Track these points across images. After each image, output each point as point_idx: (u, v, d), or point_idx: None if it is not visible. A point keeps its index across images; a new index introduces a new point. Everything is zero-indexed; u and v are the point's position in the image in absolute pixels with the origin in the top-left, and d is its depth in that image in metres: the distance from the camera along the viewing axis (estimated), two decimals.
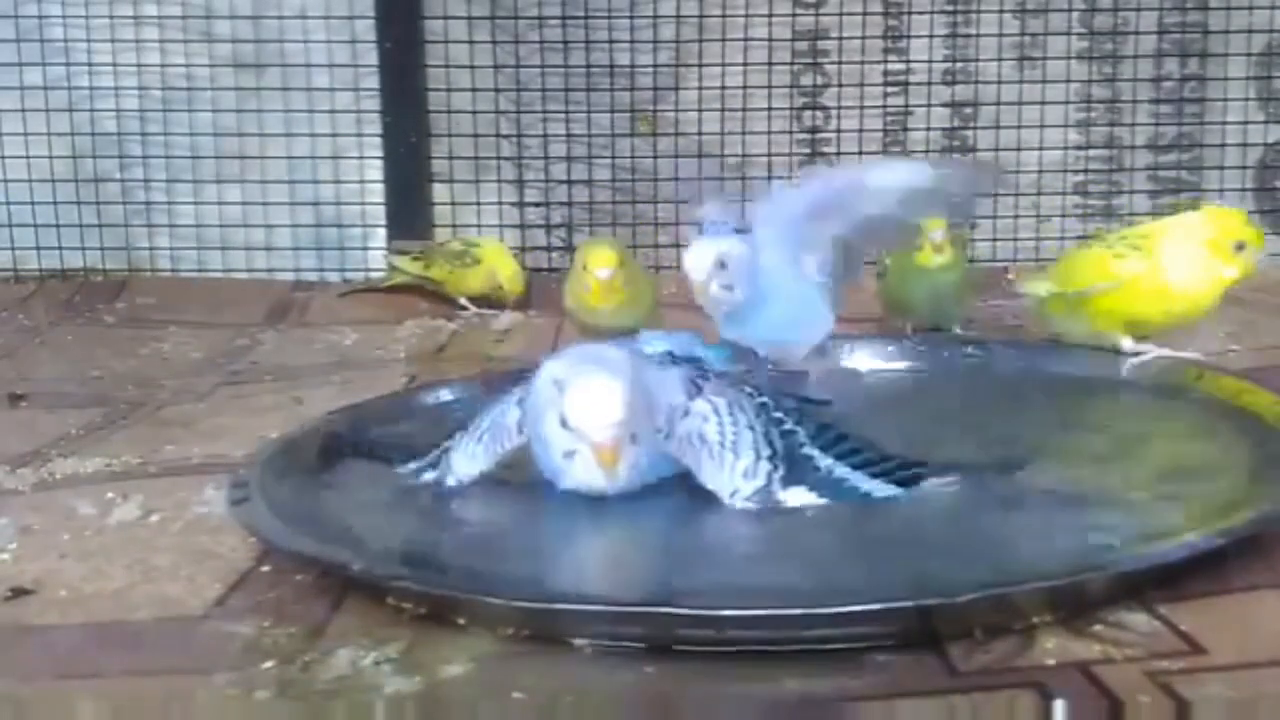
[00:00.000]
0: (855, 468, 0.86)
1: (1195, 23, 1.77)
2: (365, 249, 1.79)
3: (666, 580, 0.79)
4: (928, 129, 1.78)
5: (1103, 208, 1.80)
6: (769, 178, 1.77)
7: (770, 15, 1.75)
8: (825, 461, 0.87)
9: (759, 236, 1.02)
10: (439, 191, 1.78)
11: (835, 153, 1.79)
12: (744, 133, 1.77)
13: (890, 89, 1.78)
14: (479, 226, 1.77)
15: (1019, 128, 1.77)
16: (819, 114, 1.79)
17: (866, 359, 1.19)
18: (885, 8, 1.76)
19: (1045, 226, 1.79)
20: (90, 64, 1.76)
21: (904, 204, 1.02)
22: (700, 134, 1.77)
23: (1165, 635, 0.70)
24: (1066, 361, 1.16)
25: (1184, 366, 1.10)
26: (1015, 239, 1.78)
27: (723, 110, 1.76)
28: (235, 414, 1.20)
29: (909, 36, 1.77)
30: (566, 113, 1.77)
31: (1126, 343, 1.13)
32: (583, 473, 0.85)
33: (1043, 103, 1.76)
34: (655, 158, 1.77)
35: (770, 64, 1.76)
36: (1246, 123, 1.77)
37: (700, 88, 1.76)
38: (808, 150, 1.79)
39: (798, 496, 0.85)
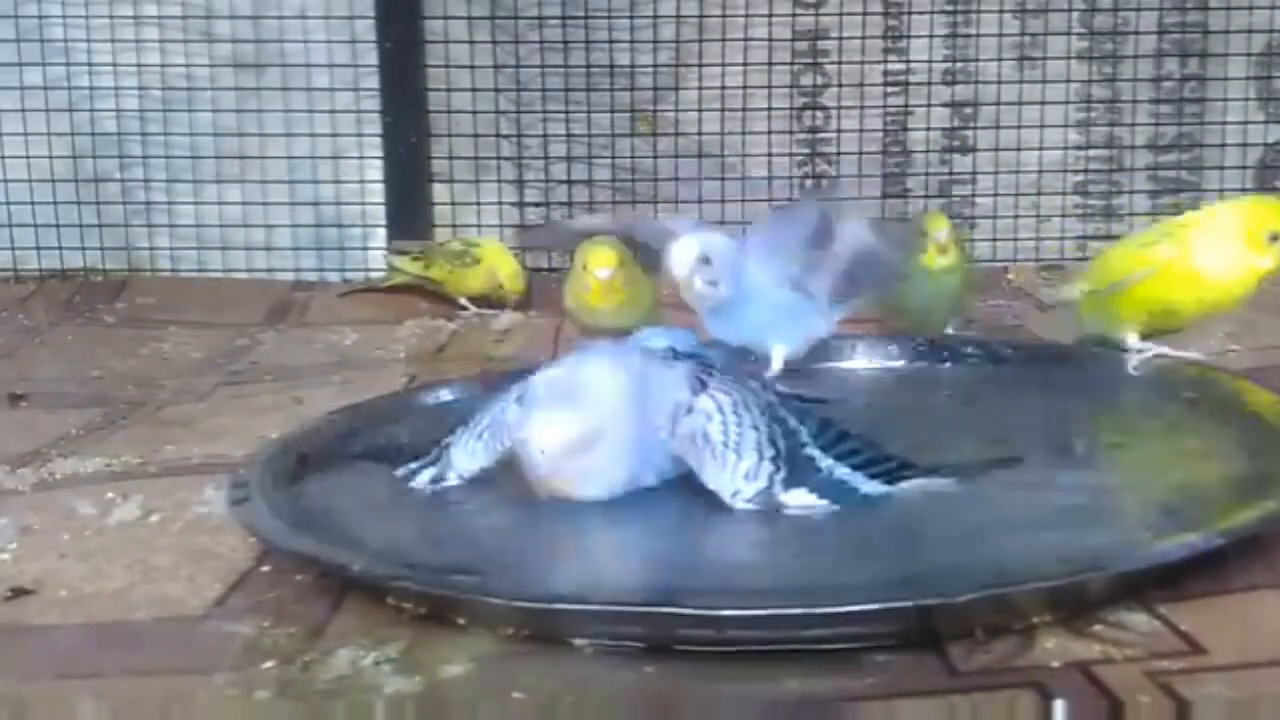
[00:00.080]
0: (856, 468, 0.86)
1: (1195, 23, 1.77)
2: (365, 249, 1.79)
3: (667, 580, 0.79)
4: (928, 129, 1.78)
5: (1103, 208, 1.80)
6: (769, 178, 1.77)
7: (770, 15, 1.75)
8: (826, 462, 0.86)
9: (752, 242, 1.04)
10: (439, 191, 1.78)
11: (835, 153, 1.79)
12: (744, 133, 1.77)
13: (890, 89, 1.78)
14: (479, 226, 1.77)
15: (1019, 128, 1.77)
16: (819, 114, 1.79)
17: (866, 359, 1.19)
18: (885, 8, 1.76)
19: (1045, 226, 1.79)
20: (90, 64, 1.76)
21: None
22: (700, 134, 1.77)
23: (1165, 635, 0.70)
24: (1066, 361, 1.16)
25: (1184, 366, 1.10)
26: (1015, 239, 1.78)
27: (723, 110, 1.76)
28: (235, 414, 1.20)
29: (909, 36, 1.77)
30: (566, 113, 1.77)
31: (1132, 339, 1.13)
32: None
33: (1043, 103, 1.76)
34: (655, 158, 1.77)
35: (770, 64, 1.76)
36: (1246, 123, 1.77)
37: (700, 88, 1.76)
38: (808, 150, 1.79)
39: (799, 498, 0.85)
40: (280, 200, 1.78)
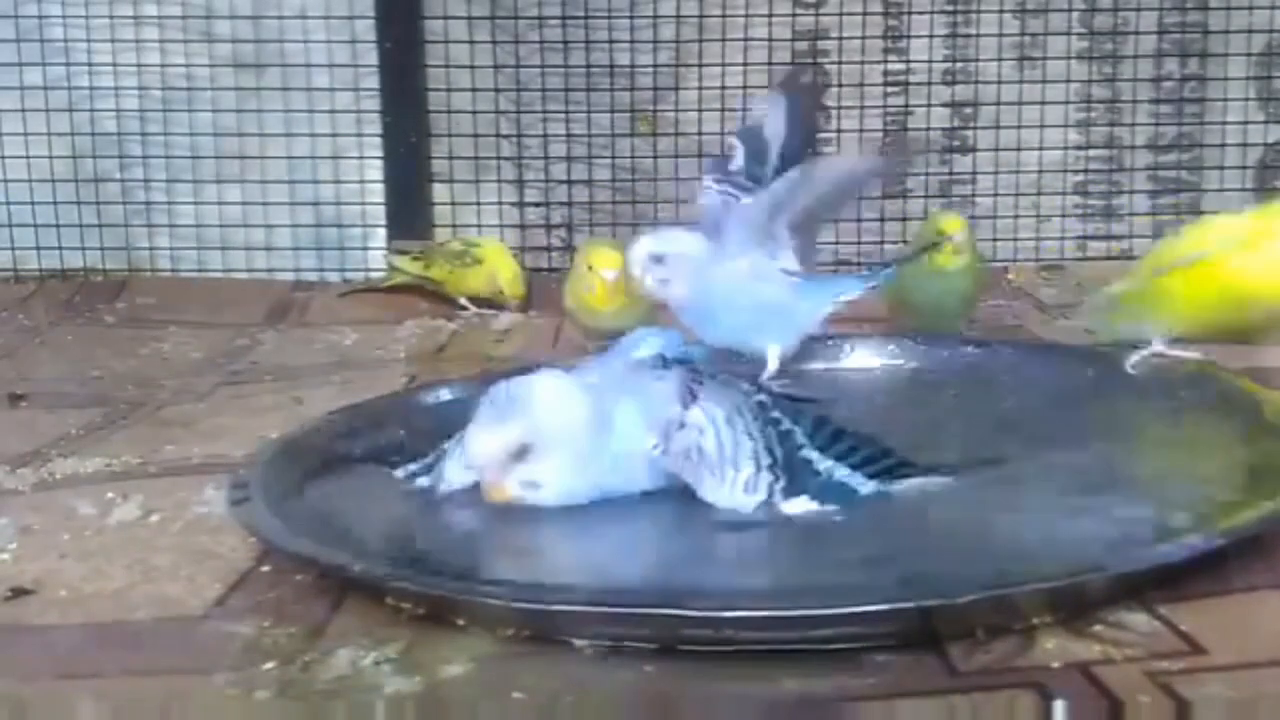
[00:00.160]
0: (854, 466, 0.86)
1: (1195, 23, 1.77)
2: (365, 249, 1.79)
3: (667, 581, 0.79)
4: (928, 129, 1.78)
5: (1103, 208, 1.80)
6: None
7: (770, 15, 1.75)
8: (825, 464, 0.86)
9: (727, 241, 1.04)
10: (439, 191, 1.78)
11: (835, 153, 1.78)
12: None
13: (890, 89, 1.78)
14: (479, 226, 1.77)
15: (1019, 128, 1.77)
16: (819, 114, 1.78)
17: (866, 358, 1.19)
18: (885, 8, 1.76)
19: (1045, 226, 1.79)
20: (90, 64, 1.76)
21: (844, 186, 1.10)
22: (700, 134, 1.77)
23: (1165, 635, 0.70)
24: (1067, 361, 1.16)
25: (1183, 365, 1.10)
26: (1015, 239, 1.78)
27: (723, 110, 1.76)
28: (235, 414, 1.20)
29: (909, 36, 1.77)
30: (566, 113, 1.77)
31: (1161, 343, 1.08)
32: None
33: (1043, 103, 1.76)
34: (655, 158, 1.77)
35: (770, 64, 1.76)
36: (1246, 123, 1.77)
37: (700, 88, 1.76)
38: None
39: (800, 506, 0.85)
40: (280, 200, 1.78)
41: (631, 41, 1.76)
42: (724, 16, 1.75)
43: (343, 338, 1.50)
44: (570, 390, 0.87)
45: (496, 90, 1.77)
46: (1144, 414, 1.06)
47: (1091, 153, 1.79)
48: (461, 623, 0.73)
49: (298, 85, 1.76)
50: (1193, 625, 0.70)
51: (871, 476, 0.86)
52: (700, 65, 1.76)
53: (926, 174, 1.78)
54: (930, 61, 1.77)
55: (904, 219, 1.78)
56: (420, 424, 1.03)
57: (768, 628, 0.69)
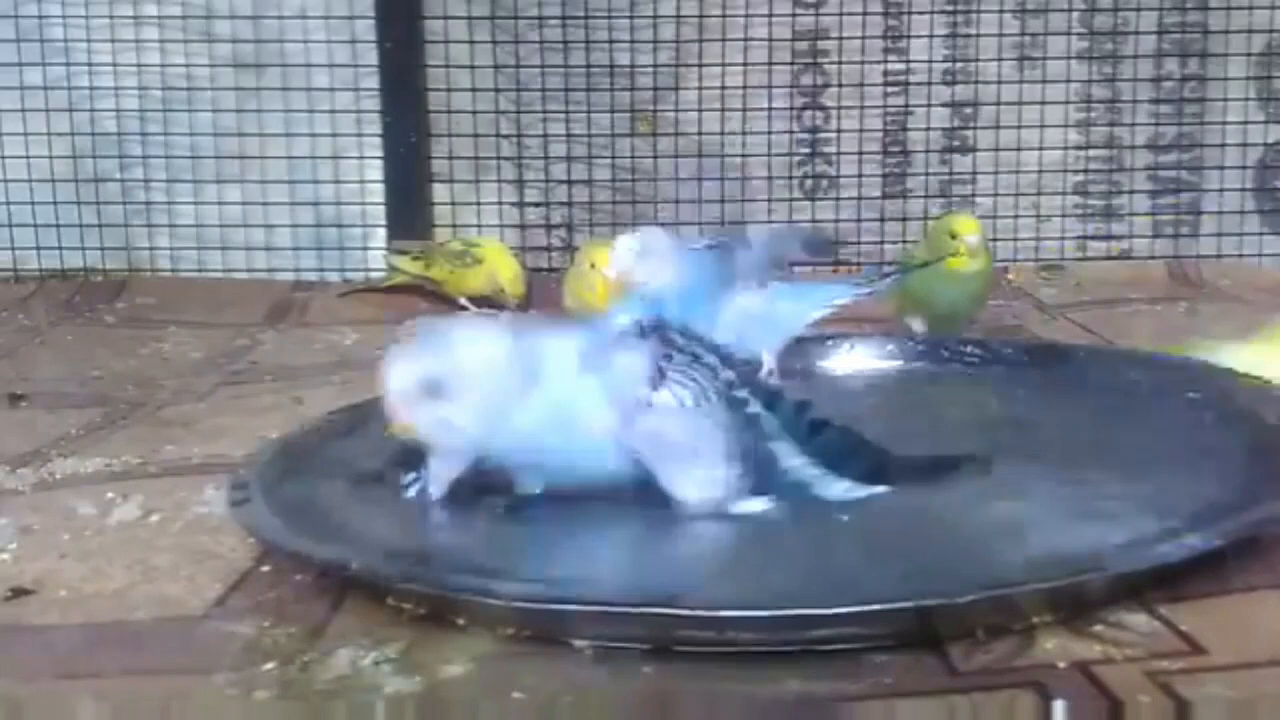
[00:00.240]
0: (830, 462, 0.84)
1: (1195, 23, 1.77)
2: (365, 249, 1.79)
3: (666, 581, 0.79)
4: (928, 129, 1.78)
5: (1103, 208, 1.80)
6: (769, 177, 1.77)
7: (770, 15, 1.76)
8: (792, 461, 0.84)
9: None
10: (439, 191, 1.78)
11: (835, 153, 1.79)
12: (744, 133, 1.77)
13: (890, 89, 1.78)
14: (479, 226, 1.77)
15: (1019, 128, 1.77)
16: (819, 114, 1.79)
17: (866, 359, 1.18)
18: (885, 8, 1.76)
19: (1045, 226, 1.79)
20: (90, 64, 1.76)
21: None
22: (700, 134, 1.77)
23: (1165, 635, 0.70)
24: (1066, 361, 1.16)
25: (1183, 364, 1.10)
26: (1015, 239, 1.78)
27: (723, 110, 1.77)
28: (235, 414, 1.20)
29: (909, 36, 1.77)
30: (566, 113, 1.77)
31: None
32: None
33: (1043, 103, 1.76)
34: (655, 158, 1.77)
35: (770, 64, 1.76)
36: (1246, 123, 1.78)
37: (700, 88, 1.76)
38: (808, 150, 1.79)
39: (758, 505, 0.83)
40: (280, 200, 1.78)
41: (631, 41, 1.76)
42: (724, 16, 1.75)
43: (343, 338, 1.50)
44: (494, 334, 0.85)
45: (496, 90, 1.77)
46: (1144, 414, 1.05)
47: (1091, 153, 1.79)
48: (462, 623, 0.73)
49: (298, 85, 1.76)
50: (1192, 625, 0.70)
51: (855, 477, 0.85)
52: (700, 65, 1.76)
53: (927, 174, 1.79)
54: (930, 61, 1.77)
55: (904, 219, 1.78)
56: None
57: (768, 628, 0.69)
